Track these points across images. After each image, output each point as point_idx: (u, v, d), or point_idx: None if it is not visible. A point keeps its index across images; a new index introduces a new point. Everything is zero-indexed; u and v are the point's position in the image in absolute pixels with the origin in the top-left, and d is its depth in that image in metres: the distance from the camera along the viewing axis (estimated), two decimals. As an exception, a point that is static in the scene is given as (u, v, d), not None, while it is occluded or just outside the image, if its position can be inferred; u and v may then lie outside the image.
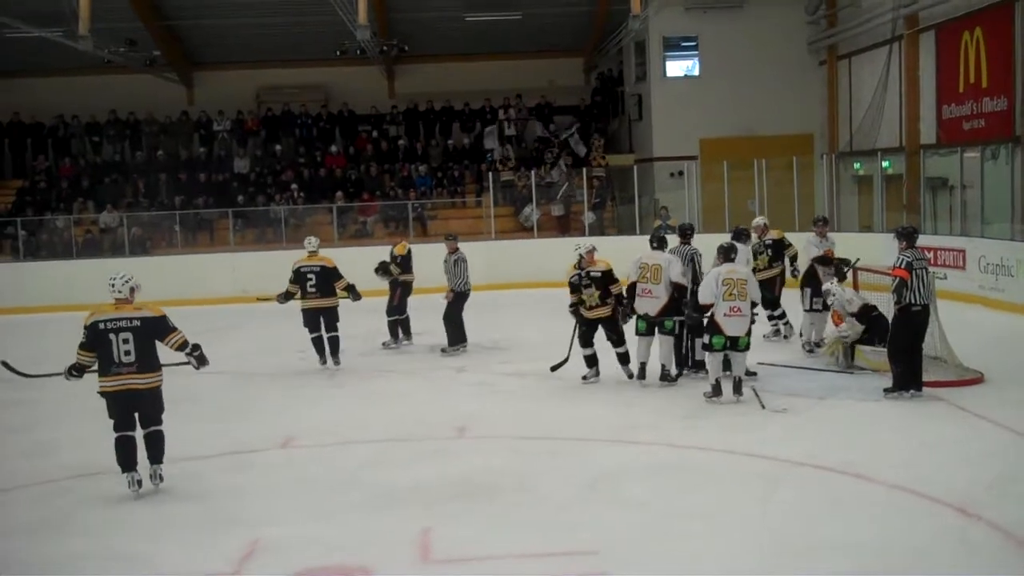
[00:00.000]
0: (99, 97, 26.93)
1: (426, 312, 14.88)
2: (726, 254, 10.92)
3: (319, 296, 13.37)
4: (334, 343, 13.55)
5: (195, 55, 28.54)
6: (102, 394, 8.26)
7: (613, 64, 28.80)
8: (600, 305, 11.48)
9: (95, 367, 8.32)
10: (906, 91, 21.07)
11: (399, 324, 14.84)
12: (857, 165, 23.52)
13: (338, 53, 24.44)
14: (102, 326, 8.18)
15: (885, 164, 21.72)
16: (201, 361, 8.63)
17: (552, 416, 10.45)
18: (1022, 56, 17.62)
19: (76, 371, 8.49)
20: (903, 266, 10.14)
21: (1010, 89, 17.92)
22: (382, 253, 14.90)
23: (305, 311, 13.50)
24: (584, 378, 11.64)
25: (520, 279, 20.96)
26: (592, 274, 11.47)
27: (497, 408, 10.83)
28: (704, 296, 10.74)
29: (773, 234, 13.89)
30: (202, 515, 7.73)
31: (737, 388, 10.61)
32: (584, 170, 24.23)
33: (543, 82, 28.11)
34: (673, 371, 11.54)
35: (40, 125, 27.14)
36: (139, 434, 8.39)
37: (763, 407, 10.25)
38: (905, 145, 21.10)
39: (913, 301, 10.12)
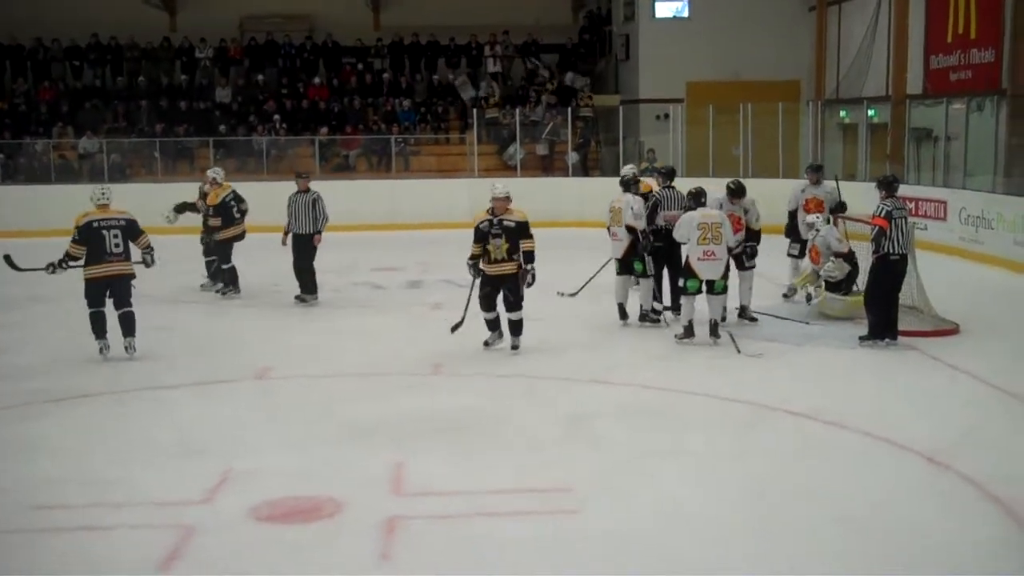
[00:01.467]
0: (80, 20, 26.26)
1: (411, 247, 14.78)
2: (696, 199, 10.91)
3: (242, 219, 13.65)
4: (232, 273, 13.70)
5: (178, -20, 28.04)
6: (89, 279, 10.03)
7: (602, 3, 28.48)
8: (506, 260, 10.32)
9: (81, 261, 10.06)
10: (894, 40, 20.91)
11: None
12: (843, 113, 23.40)
13: (323, -17, 24.06)
14: (96, 224, 10.01)
15: (871, 113, 21.64)
16: (153, 261, 10.54)
17: (528, 355, 10.45)
18: (1011, 8, 17.51)
19: (64, 262, 10.19)
20: (883, 215, 10.17)
21: (998, 41, 17.83)
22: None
23: (224, 241, 13.53)
24: (486, 343, 10.76)
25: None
26: (506, 223, 10.26)
27: (473, 346, 10.79)
28: (679, 236, 10.86)
29: (641, 187, 12.21)
30: (174, 443, 7.73)
31: (713, 331, 10.64)
32: (569, 110, 24.06)
33: (531, 19, 27.76)
34: (650, 308, 11.54)
35: (19, 47, 26.61)
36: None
37: (739, 352, 10.29)
38: (891, 94, 21.00)
39: (891, 250, 10.15)
